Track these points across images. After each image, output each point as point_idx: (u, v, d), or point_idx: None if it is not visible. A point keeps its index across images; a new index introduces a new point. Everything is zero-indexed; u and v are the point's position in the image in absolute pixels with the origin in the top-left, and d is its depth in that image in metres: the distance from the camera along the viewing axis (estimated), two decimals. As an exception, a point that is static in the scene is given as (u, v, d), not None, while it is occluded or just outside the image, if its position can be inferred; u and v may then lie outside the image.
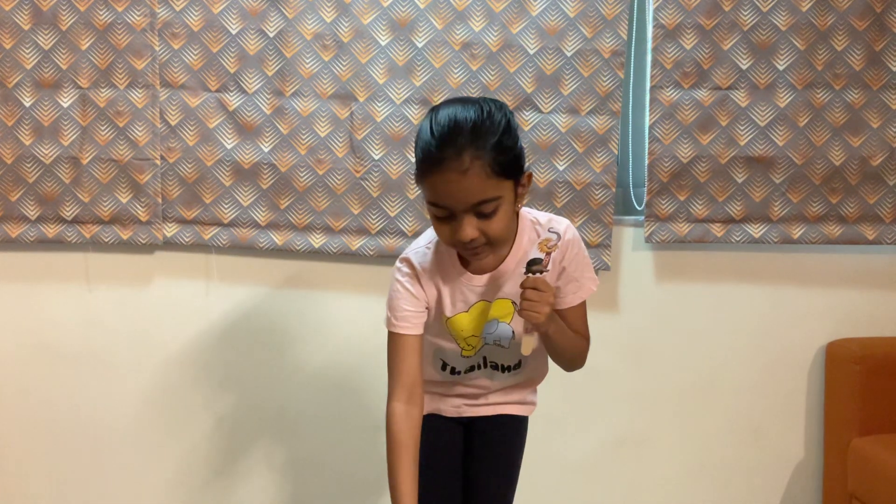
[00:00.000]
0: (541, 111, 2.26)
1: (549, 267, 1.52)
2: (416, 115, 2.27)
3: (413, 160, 2.23)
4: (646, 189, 2.33)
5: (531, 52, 2.23)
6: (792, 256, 2.40)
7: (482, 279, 1.59)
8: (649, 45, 2.28)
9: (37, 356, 2.42)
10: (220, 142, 2.29)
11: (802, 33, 2.25)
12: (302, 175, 2.29)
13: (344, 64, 2.26)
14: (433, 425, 1.75)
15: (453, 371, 1.69)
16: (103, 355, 2.42)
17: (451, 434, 1.76)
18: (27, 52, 2.26)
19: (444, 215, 1.43)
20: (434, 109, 1.46)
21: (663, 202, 2.32)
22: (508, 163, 1.42)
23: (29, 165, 2.30)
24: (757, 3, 2.24)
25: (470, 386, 1.72)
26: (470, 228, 1.42)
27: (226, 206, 2.31)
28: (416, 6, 2.23)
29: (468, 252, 1.49)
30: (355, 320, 2.37)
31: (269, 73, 2.26)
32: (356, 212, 2.30)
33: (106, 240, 2.33)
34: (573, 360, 1.66)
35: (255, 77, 2.27)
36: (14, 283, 2.41)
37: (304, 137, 2.28)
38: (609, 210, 2.30)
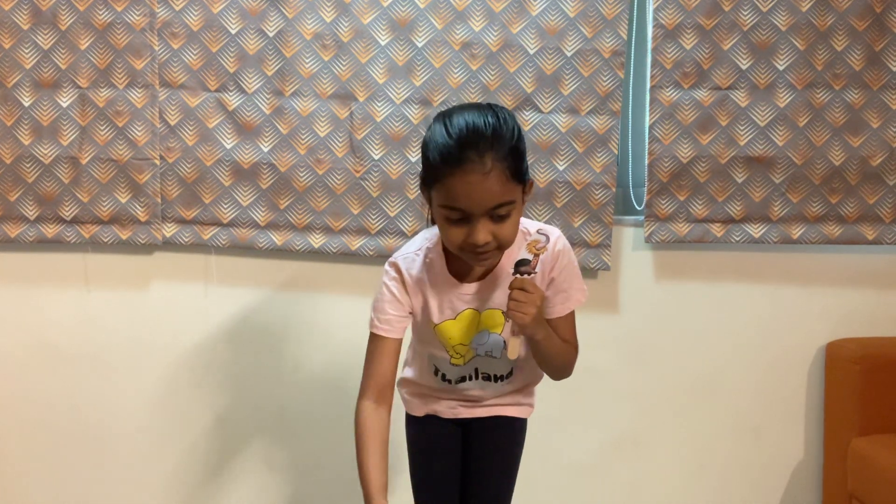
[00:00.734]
0: (541, 111, 2.26)
1: (538, 269, 1.53)
2: (415, 114, 2.26)
3: (412, 161, 2.25)
4: (646, 189, 2.32)
5: (531, 52, 2.23)
6: (792, 256, 2.40)
7: (471, 287, 1.59)
8: (649, 45, 2.28)
9: (36, 356, 2.42)
10: (219, 142, 2.29)
11: (802, 33, 2.25)
12: (302, 175, 2.29)
13: (344, 64, 2.25)
14: (430, 428, 1.75)
15: (445, 379, 1.69)
16: (102, 355, 2.42)
17: (449, 436, 1.75)
18: (26, 51, 2.26)
19: (458, 218, 1.43)
20: (445, 115, 1.46)
21: (663, 202, 2.31)
22: (521, 165, 1.45)
23: (28, 165, 2.30)
24: (757, 3, 2.24)
25: (463, 394, 1.72)
26: (485, 232, 1.43)
27: (225, 206, 2.31)
28: (416, 6, 2.23)
29: (476, 256, 1.48)
30: (355, 320, 2.35)
31: (269, 73, 2.26)
32: (356, 212, 2.29)
33: (105, 240, 2.33)
34: (561, 368, 1.65)
35: (254, 77, 2.26)
36: (13, 283, 2.41)
37: (303, 137, 2.28)
38: (609, 210, 2.30)
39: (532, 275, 1.51)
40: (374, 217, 2.29)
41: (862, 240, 2.34)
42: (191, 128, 2.29)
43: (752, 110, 2.28)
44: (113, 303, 2.40)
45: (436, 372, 1.70)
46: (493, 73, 2.25)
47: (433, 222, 1.54)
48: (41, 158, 2.29)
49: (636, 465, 2.46)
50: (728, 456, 2.46)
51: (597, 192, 2.28)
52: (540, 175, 2.28)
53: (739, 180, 2.30)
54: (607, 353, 2.41)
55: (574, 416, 2.41)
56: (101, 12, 2.24)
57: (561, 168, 2.27)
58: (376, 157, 2.28)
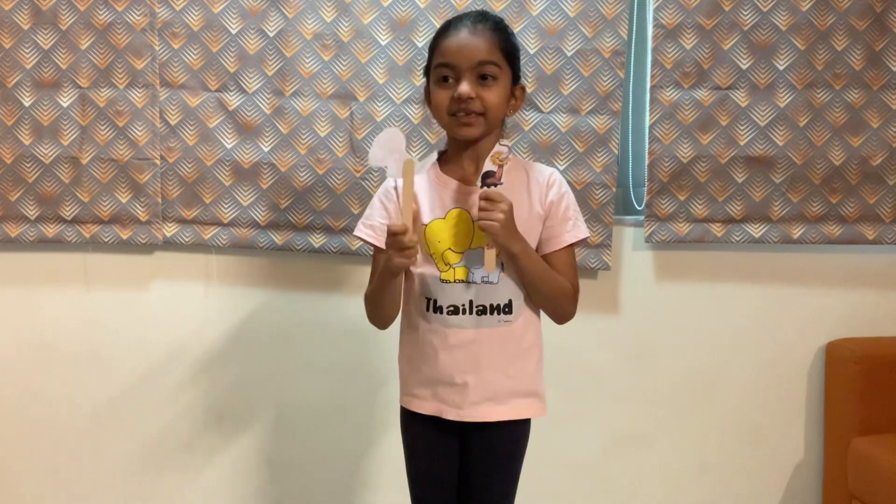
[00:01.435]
0: (541, 111, 2.26)
1: (503, 180, 1.58)
2: (416, 114, 2.27)
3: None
4: (646, 189, 2.33)
5: (531, 52, 2.23)
6: (792, 256, 2.40)
7: (461, 186, 1.66)
8: (649, 45, 2.28)
9: (36, 356, 2.42)
10: (219, 141, 2.29)
11: (802, 33, 2.25)
12: (302, 175, 2.29)
13: (344, 64, 2.26)
14: (428, 434, 1.72)
15: (437, 308, 1.65)
16: (102, 355, 2.42)
17: (447, 445, 1.72)
18: (27, 51, 2.26)
19: (448, 75, 1.60)
20: None
21: (663, 202, 2.32)
22: (511, 49, 1.63)
23: (28, 165, 2.30)
24: (757, 2, 2.24)
25: (451, 357, 1.65)
26: (470, 85, 1.58)
27: (225, 206, 2.31)
28: (416, 6, 2.23)
29: (461, 121, 1.59)
30: (355, 320, 2.36)
31: (269, 73, 2.26)
32: (356, 212, 2.29)
33: (105, 239, 2.33)
34: (552, 297, 1.66)
35: (254, 77, 2.27)
36: (14, 283, 2.41)
37: (304, 137, 2.28)
38: (609, 210, 2.30)
39: (498, 185, 1.56)
40: (374, 217, 2.29)
41: (862, 240, 2.34)
42: (191, 128, 2.29)
43: (752, 110, 2.28)
44: (113, 303, 2.40)
45: (427, 306, 1.66)
46: (493, 72, 2.25)
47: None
48: (41, 158, 2.29)
49: (636, 465, 2.46)
50: (728, 456, 2.46)
51: (597, 192, 2.28)
52: (540, 175, 2.28)
53: (740, 180, 2.30)
54: (607, 353, 2.42)
55: (574, 416, 2.41)
56: (101, 12, 2.25)
57: (561, 168, 2.27)
58: (378, 165, 2.27)
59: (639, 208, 2.40)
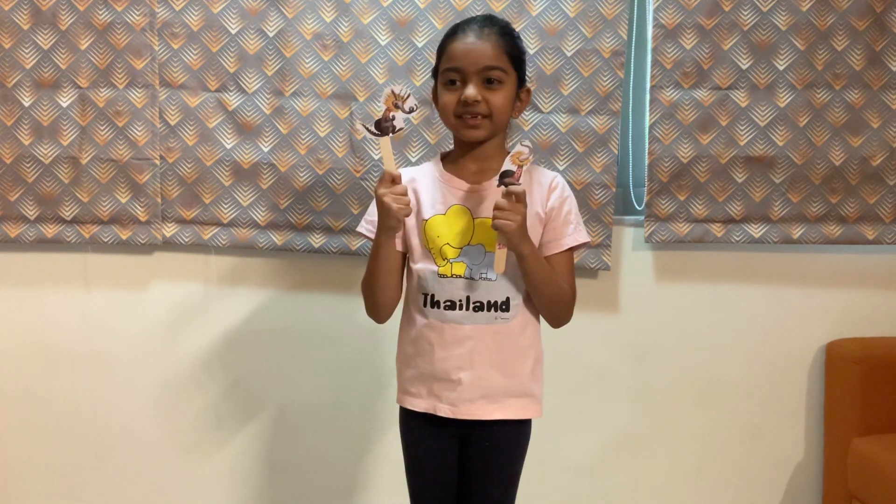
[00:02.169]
0: (541, 111, 2.26)
1: (521, 181, 1.58)
2: (416, 115, 2.26)
3: (413, 161, 2.25)
4: (646, 189, 2.32)
5: (531, 52, 2.23)
6: (792, 256, 2.40)
7: (463, 184, 1.68)
8: (649, 45, 2.28)
9: (36, 356, 2.42)
10: (219, 141, 2.29)
11: (802, 33, 2.25)
12: (302, 175, 2.29)
13: (344, 64, 2.26)
14: (426, 434, 1.72)
15: (434, 303, 1.66)
16: (102, 355, 2.42)
17: (446, 446, 1.72)
18: (26, 51, 2.26)
19: (455, 78, 1.63)
20: None
21: (663, 202, 2.31)
22: (517, 53, 1.66)
23: (28, 165, 2.30)
24: (757, 3, 2.24)
25: (446, 353, 1.65)
26: (476, 89, 1.61)
27: (225, 206, 2.31)
28: (415, 6, 2.23)
29: (467, 123, 1.63)
30: (355, 320, 2.37)
31: (269, 73, 2.26)
32: (356, 212, 2.29)
33: (105, 240, 2.33)
34: (553, 301, 1.67)
35: (254, 77, 2.26)
36: (13, 283, 2.41)
37: (303, 137, 2.28)
38: (609, 210, 2.30)
39: (516, 185, 1.57)
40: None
41: (862, 240, 2.34)
42: (191, 128, 2.29)
43: (752, 110, 2.28)
44: (113, 303, 2.40)
45: (424, 301, 1.67)
46: (493, 73, 2.24)
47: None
48: (41, 158, 2.29)
49: (636, 465, 2.46)
50: (728, 456, 2.46)
51: (597, 192, 2.28)
52: (540, 175, 2.28)
53: (739, 180, 2.30)
54: (607, 353, 2.41)
55: (574, 416, 2.41)
56: (101, 12, 2.24)
57: (561, 168, 2.27)
58: (376, 157, 2.28)
59: (639, 208, 2.40)
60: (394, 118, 1.63)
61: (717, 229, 2.33)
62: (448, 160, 1.74)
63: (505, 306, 1.66)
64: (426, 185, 1.71)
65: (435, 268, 1.66)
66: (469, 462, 1.72)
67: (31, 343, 2.42)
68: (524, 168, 1.59)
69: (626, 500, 2.47)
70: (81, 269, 2.39)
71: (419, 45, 2.24)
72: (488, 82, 1.62)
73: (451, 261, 1.65)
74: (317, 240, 2.31)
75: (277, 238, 2.32)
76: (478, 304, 1.65)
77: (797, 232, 2.33)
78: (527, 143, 1.60)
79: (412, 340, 1.71)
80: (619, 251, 2.38)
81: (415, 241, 1.69)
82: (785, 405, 2.45)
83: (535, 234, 1.67)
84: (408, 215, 1.61)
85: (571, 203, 1.71)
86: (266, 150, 2.29)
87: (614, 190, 2.30)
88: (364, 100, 2.26)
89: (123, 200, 2.31)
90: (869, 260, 2.41)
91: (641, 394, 2.44)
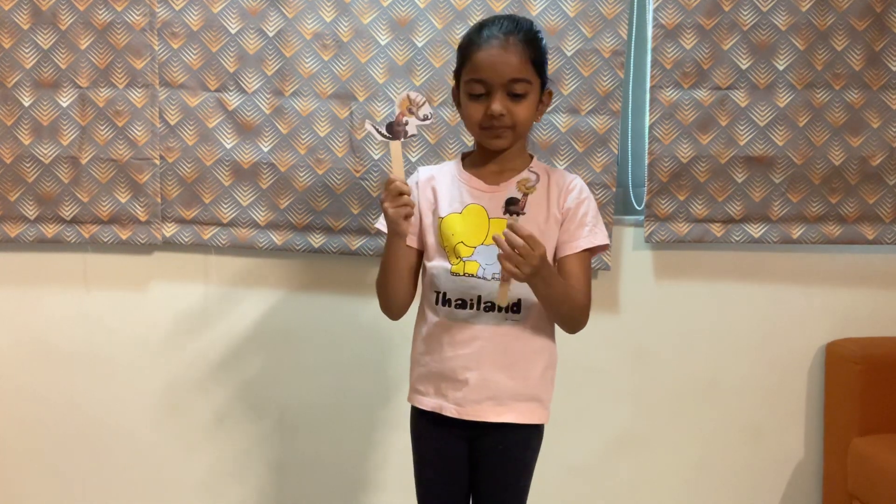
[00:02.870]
0: (541, 111, 2.26)
1: (526, 210, 1.54)
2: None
3: (413, 160, 2.25)
4: (645, 189, 2.32)
5: (531, 52, 2.23)
6: (792, 256, 2.40)
7: (481, 184, 1.68)
8: (649, 45, 2.28)
9: (36, 356, 2.42)
10: (219, 141, 2.29)
11: (802, 33, 2.25)
12: (301, 175, 2.29)
13: (344, 63, 2.25)
14: (435, 436, 1.72)
15: (445, 301, 1.65)
16: (102, 355, 2.41)
17: (455, 449, 1.71)
18: (26, 51, 2.26)
19: (481, 92, 1.61)
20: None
21: (663, 202, 2.32)
22: (541, 61, 1.64)
23: (28, 165, 2.30)
24: (757, 3, 2.24)
25: (455, 352, 1.65)
26: (501, 102, 1.60)
27: (225, 206, 2.31)
28: (415, 6, 2.23)
29: (491, 133, 1.62)
30: (355, 320, 2.37)
31: (269, 73, 2.26)
32: (356, 212, 2.29)
33: (105, 239, 2.33)
34: (568, 316, 1.65)
35: (254, 77, 2.26)
36: (13, 283, 2.41)
37: (303, 137, 2.28)
38: (609, 210, 2.30)
39: (521, 214, 1.54)
40: (374, 217, 2.29)
41: (862, 240, 2.34)
42: (191, 127, 2.29)
43: (751, 110, 2.28)
44: (112, 303, 2.40)
45: (437, 299, 1.67)
46: (493, 72, 2.24)
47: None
48: (41, 158, 2.29)
49: (636, 465, 2.46)
50: (728, 456, 2.46)
51: (597, 192, 2.28)
52: (540, 175, 2.27)
53: (739, 180, 2.30)
54: (607, 353, 2.41)
55: (574, 416, 2.41)
56: (100, 12, 2.24)
57: (561, 168, 2.27)
58: (376, 157, 2.28)
59: (638, 208, 2.40)
60: (407, 123, 1.62)
61: (716, 229, 2.33)
62: (468, 161, 1.74)
63: (516, 308, 1.64)
64: (444, 183, 1.71)
65: (448, 266, 1.66)
66: (480, 466, 1.70)
67: (31, 343, 2.42)
68: (529, 196, 1.54)
69: (627, 500, 2.47)
70: (81, 269, 2.39)
71: (419, 45, 2.24)
72: (514, 95, 1.60)
73: (464, 259, 1.65)
74: (317, 240, 2.31)
75: (277, 238, 2.32)
76: (488, 305, 1.64)
77: (797, 232, 2.33)
78: (534, 169, 1.59)
79: (424, 338, 1.71)
80: (619, 251, 2.38)
81: (430, 239, 1.69)
82: (785, 405, 2.45)
83: (551, 236, 1.66)
84: (409, 217, 1.58)
85: (589, 205, 1.69)
86: (266, 149, 2.29)
87: (614, 190, 2.30)
88: (364, 99, 2.26)
89: (123, 200, 2.31)
90: (869, 260, 2.41)
91: (641, 394, 2.44)
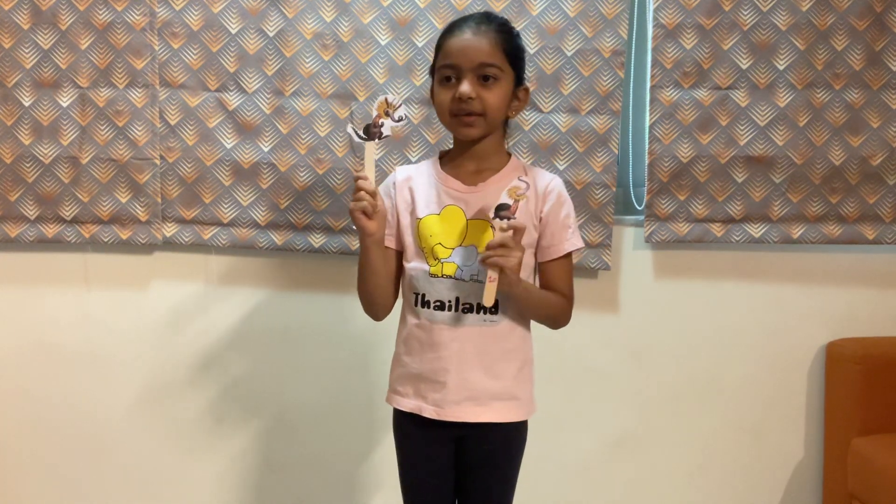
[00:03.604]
0: (541, 111, 2.26)
1: (517, 215, 1.56)
2: (416, 114, 2.26)
3: (413, 160, 2.25)
4: (646, 189, 2.32)
5: (531, 52, 2.23)
6: (792, 256, 2.40)
7: (458, 184, 1.67)
8: (649, 45, 2.28)
9: (36, 355, 2.42)
10: (219, 141, 2.29)
11: (802, 33, 2.25)
12: (302, 175, 2.29)
13: (344, 63, 2.25)
14: (418, 436, 1.71)
15: (424, 302, 1.66)
16: (102, 355, 2.41)
17: (440, 450, 1.71)
18: (26, 51, 2.26)
19: (450, 75, 1.61)
20: None
21: (663, 202, 2.31)
22: (514, 51, 1.64)
23: (28, 165, 2.30)
24: (757, 2, 2.24)
25: (434, 353, 1.65)
26: (470, 85, 1.59)
27: (225, 206, 2.31)
28: (416, 6, 2.23)
29: (461, 121, 1.61)
30: (355, 320, 2.37)
31: (269, 73, 2.26)
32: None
33: (105, 239, 2.33)
34: (549, 317, 1.69)
35: (254, 76, 2.26)
36: (13, 283, 2.41)
37: (303, 137, 2.28)
38: (609, 210, 2.30)
39: (512, 219, 1.55)
40: (374, 217, 2.29)
41: (862, 239, 2.34)
42: (191, 127, 2.29)
43: (752, 110, 2.28)
44: (113, 303, 2.40)
45: (416, 300, 1.67)
46: (493, 72, 2.24)
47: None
48: (41, 158, 2.29)
49: (636, 465, 2.46)
50: (728, 456, 2.46)
51: (597, 192, 2.28)
52: (540, 175, 2.28)
53: (739, 180, 2.30)
54: (607, 353, 2.41)
55: (574, 416, 2.41)
56: (101, 12, 2.24)
57: (561, 168, 2.27)
58: (376, 157, 2.28)
59: (639, 208, 2.40)
60: (382, 125, 1.64)
61: (717, 229, 2.33)
62: (447, 159, 1.73)
63: (494, 309, 1.64)
64: (422, 183, 1.71)
65: (426, 267, 1.66)
66: (465, 465, 1.71)
67: (31, 343, 2.42)
68: (520, 203, 1.56)
69: (626, 500, 2.47)
70: (81, 269, 2.39)
71: (419, 45, 2.24)
72: (483, 79, 1.60)
73: (442, 261, 1.65)
74: (317, 240, 2.31)
75: (277, 238, 2.32)
76: (466, 306, 1.64)
77: (797, 232, 2.33)
78: (525, 178, 1.59)
79: (404, 339, 1.72)
80: (619, 251, 2.38)
81: (408, 240, 1.69)
82: (785, 405, 2.45)
83: (531, 239, 1.66)
84: (367, 213, 1.59)
85: (568, 207, 1.70)
86: (266, 149, 2.29)
87: (614, 190, 2.30)
88: (364, 99, 2.26)
89: (123, 200, 2.31)
90: (869, 260, 2.41)
91: (641, 394, 2.44)
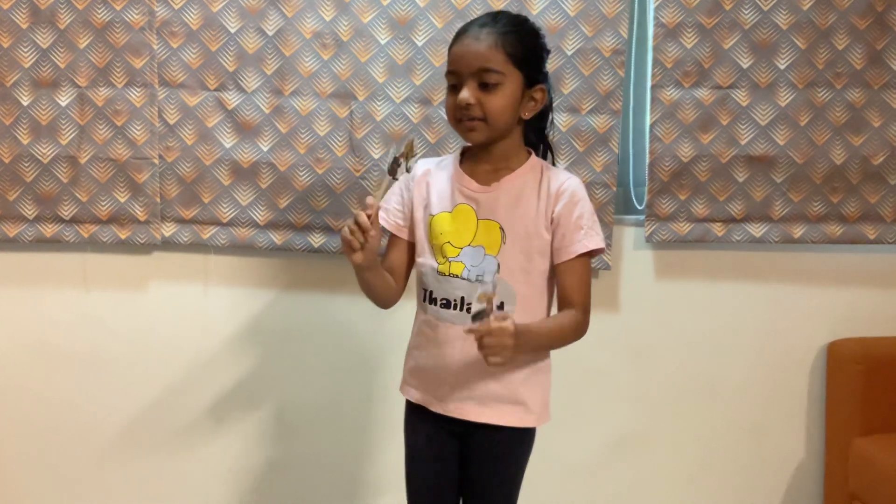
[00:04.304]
0: (541, 110, 2.26)
1: (492, 316, 1.50)
2: (415, 113, 2.26)
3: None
4: (646, 188, 2.32)
5: (531, 51, 2.22)
6: (793, 256, 2.39)
7: (473, 184, 1.66)
8: (650, 44, 2.28)
9: (35, 356, 2.42)
10: (218, 141, 2.28)
11: (803, 32, 2.25)
12: (301, 174, 2.28)
13: (343, 63, 2.25)
14: (426, 430, 1.71)
15: (432, 299, 1.66)
16: (101, 355, 2.41)
17: (446, 447, 1.71)
18: (25, 50, 2.25)
19: (454, 82, 1.60)
20: None
21: (664, 201, 2.31)
22: (521, 52, 1.59)
23: (27, 164, 2.29)
24: (758, 2, 2.23)
25: (440, 350, 1.65)
26: (470, 91, 1.57)
27: (224, 206, 2.30)
28: (415, 5, 2.22)
29: (464, 125, 1.60)
30: (355, 320, 2.37)
31: (268, 72, 2.26)
32: (356, 211, 2.28)
33: (104, 239, 2.32)
34: (566, 342, 1.67)
35: (254, 76, 2.26)
36: (12, 283, 2.40)
37: (303, 136, 2.27)
38: (609, 209, 2.29)
39: (489, 319, 1.49)
40: (373, 216, 2.29)
41: (863, 239, 2.33)
42: (190, 127, 2.28)
43: (752, 109, 2.27)
44: (112, 302, 2.40)
45: (424, 297, 1.68)
46: (493, 72, 2.24)
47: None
48: (40, 158, 2.29)
49: (636, 465, 2.46)
50: (728, 456, 2.45)
51: (597, 192, 2.28)
52: (540, 174, 2.27)
53: (740, 180, 2.30)
54: (607, 352, 2.41)
55: (574, 416, 2.41)
56: (99, 11, 2.24)
57: (561, 167, 2.27)
58: (376, 157, 2.27)
59: (639, 208, 2.40)
60: (399, 165, 1.61)
61: (717, 229, 2.32)
62: (467, 156, 1.72)
63: (499, 311, 1.61)
64: (439, 179, 1.71)
65: (435, 264, 1.66)
66: (469, 466, 1.70)
67: (30, 343, 2.41)
68: (493, 301, 1.52)
69: (627, 500, 2.47)
70: (80, 269, 2.39)
71: (419, 44, 2.24)
72: (484, 85, 1.58)
73: (450, 259, 1.65)
74: (316, 239, 2.31)
75: (277, 238, 2.31)
76: (471, 306, 1.63)
77: (798, 231, 2.33)
78: (489, 278, 1.58)
79: (415, 332, 1.74)
80: (620, 251, 2.38)
81: (421, 235, 1.70)
82: (786, 405, 2.44)
83: (537, 235, 1.64)
84: (355, 248, 1.55)
85: (582, 208, 1.64)
86: (265, 149, 2.28)
87: (615, 189, 2.29)
88: (364, 99, 2.26)
89: (122, 200, 2.30)
90: (870, 259, 2.41)
91: (641, 394, 2.43)
